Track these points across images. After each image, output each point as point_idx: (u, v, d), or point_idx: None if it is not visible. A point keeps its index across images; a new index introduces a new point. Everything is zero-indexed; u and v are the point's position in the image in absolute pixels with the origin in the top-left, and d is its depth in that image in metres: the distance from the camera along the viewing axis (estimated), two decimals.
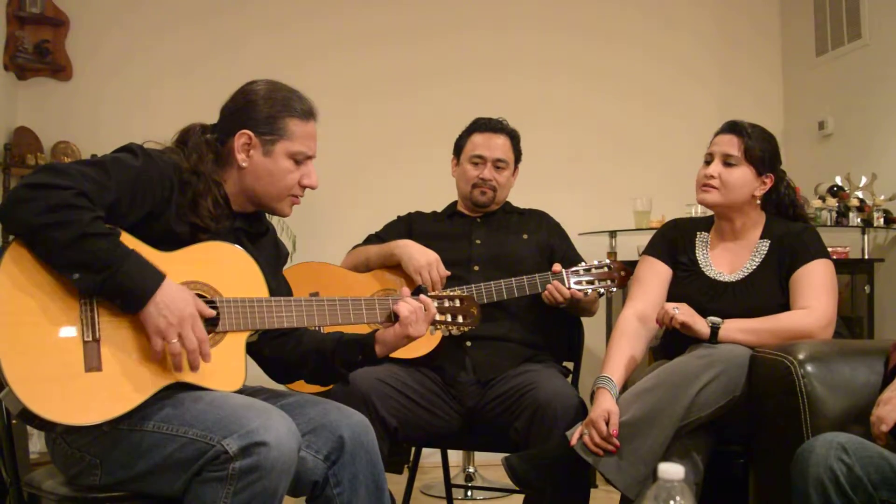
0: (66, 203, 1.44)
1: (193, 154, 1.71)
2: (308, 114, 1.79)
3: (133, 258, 1.50)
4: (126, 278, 1.48)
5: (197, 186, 1.67)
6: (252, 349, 1.79)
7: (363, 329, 1.91)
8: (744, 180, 2.17)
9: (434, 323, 1.90)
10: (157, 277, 1.52)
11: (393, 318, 1.83)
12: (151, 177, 1.60)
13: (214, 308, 1.62)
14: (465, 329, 1.97)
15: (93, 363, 1.48)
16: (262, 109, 1.74)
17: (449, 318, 1.94)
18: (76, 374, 1.47)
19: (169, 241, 1.62)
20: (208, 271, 1.65)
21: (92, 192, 1.48)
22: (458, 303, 1.95)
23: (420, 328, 1.83)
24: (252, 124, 1.74)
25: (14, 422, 1.64)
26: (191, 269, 1.62)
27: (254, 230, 1.84)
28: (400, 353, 2.33)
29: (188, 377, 1.58)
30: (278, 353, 1.87)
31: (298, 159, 1.77)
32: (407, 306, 1.82)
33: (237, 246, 1.73)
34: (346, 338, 1.87)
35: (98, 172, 1.52)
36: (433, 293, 1.92)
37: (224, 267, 1.68)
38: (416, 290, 1.93)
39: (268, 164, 1.74)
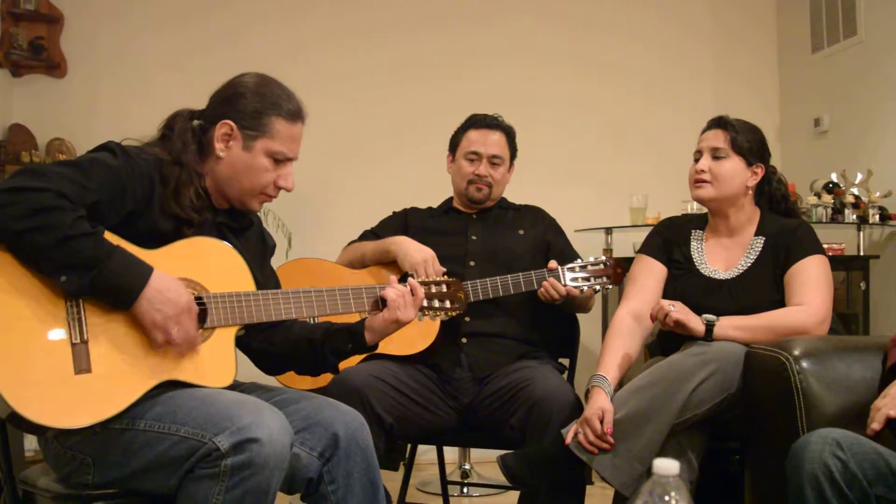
0: (46, 206, 1.42)
1: (178, 142, 1.68)
2: (296, 115, 1.75)
3: (119, 255, 1.49)
4: (113, 276, 1.47)
5: (180, 176, 1.65)
6: (240, 342, 1.78)
7: (354, 319, 1.91)
8: (734, 171, 2.18)
9: (422, 309, 1.88)
10: (145, 272, 1.51)
11: (380, 304, 1.82)
12: (131, 175, 1.58)
13: (202, 304, 1.61)
14: (453, 314, 1.95)
15: (82, 365, 1.47)
16: (249, 103, 1.71)
17: (437, 304, 1.92)
18: (66, 377, 1.45)
19: (153, 239, 1.60)
20: (194, 267, 1.63)
21: (71, 193, 1.46)
22: (444, 288, 1.93)
23: (408, 312, 1.82)
24: (237, 116, 1.70)
25: None
26: (176, 265, 1.60)
27: (237, 224, 1.81)
28: (396, 350, 2.34)
29: (179, 375, 1.57)
30: (267, 344, 1.86)
31: (278, 159, 1.73)
32: (394, 291, 1.82)
33: (222, 241, 1.71)
34: (335, 327, 1.86)
35: (76, 173, 1.50)
36: (420, 279, 1.91)
37: (209, 262, 1.66)
38: (403, 277, 1.91)
39: (245, 158, 1.71)
